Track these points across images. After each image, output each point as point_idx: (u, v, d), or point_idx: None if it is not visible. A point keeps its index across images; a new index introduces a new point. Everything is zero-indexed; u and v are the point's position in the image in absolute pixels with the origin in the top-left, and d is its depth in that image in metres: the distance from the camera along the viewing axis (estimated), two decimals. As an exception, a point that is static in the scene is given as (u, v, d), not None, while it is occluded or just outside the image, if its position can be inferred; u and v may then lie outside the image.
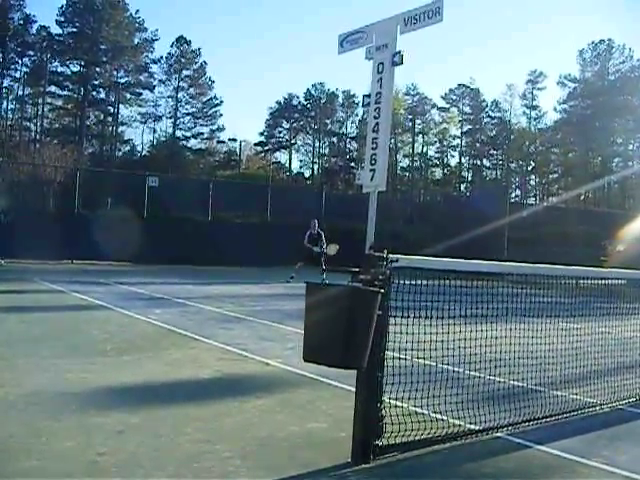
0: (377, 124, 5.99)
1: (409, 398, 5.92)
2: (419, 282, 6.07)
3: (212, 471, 4.96)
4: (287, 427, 6.21)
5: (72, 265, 27.80)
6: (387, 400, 5.57)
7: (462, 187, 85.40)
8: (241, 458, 5.27)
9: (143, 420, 6.21)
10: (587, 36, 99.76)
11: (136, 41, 77.82)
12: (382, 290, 5.04)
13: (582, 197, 79.14)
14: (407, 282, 5.81)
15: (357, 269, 5.14)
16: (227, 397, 7.29)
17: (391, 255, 5.16)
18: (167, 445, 5.52)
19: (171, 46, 79.71)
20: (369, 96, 6.28)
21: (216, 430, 6.01)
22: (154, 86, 79.29)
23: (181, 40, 79.75)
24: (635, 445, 6.41)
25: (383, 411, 5.44)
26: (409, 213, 39.97)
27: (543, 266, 7.86)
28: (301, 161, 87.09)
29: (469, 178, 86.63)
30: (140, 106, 79.15)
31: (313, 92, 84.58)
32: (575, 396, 7.70)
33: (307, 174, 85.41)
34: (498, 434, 6.27)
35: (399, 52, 5.92)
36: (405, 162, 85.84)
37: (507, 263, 7.85)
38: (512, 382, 7.42)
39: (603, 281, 9.66)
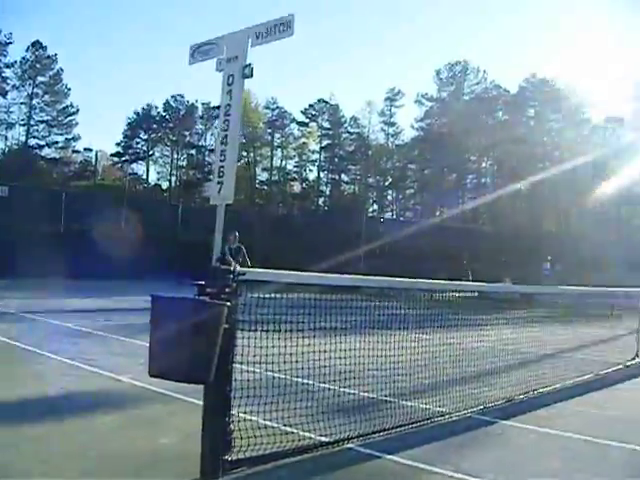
0: (226, 136, 5.95)
1: (260, 412, 5.90)
2: (271, 295, 6.08)
3: (51, 493, 4.79)
4: (135, 444, 6.08)
5: None
6: (237, 414, 5.52)
7: (320, 201, 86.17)
8: (84, 476, 5.12)
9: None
10: (444, 57, 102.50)
11: (-13, 45, 74.92)
12: (228, 303, 4.99)
13: (437, 212, 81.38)
14: (257, 295, 5.79)
15: (203, 282, 5.08)
16: (73, 414, 7.07)
17: (238, 268, 5.12)
18: (10, 466, 5.28)
19: (26, 50, 76.99)
20: (219, 108, 6.26)
21: (58, 449, 5.81)
22: (7, 91, 76.32)
23: (37, 45, 77.10)
24: (481, 451, 6.60)
25: (232, 425, 5.38)
26: (267, 227, 40.01)
27: (395, 279, 8.00)
28: (159, 173, 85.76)
29: (327, 192, 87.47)
30: (-9, 112, 76.17)
31: (172, 103, 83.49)
32: (425, 406, 7.87)
33: (165, 186, 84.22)
34: (349, 445, 6.31)
35: (249, 65, 5.91)
36: (264, 176, 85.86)
37: (357, 276, 7.95)
38: (363, 394, 7.52)
39: (455, 294, 9.97)
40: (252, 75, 5.92)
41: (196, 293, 5.07)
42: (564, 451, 6.83)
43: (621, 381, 11.15)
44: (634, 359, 13.13)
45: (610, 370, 11.84)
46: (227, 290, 5.04)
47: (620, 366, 12.33)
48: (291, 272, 6.05)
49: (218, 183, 5.83)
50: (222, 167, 5.83)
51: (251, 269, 5.28)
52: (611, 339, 15.76)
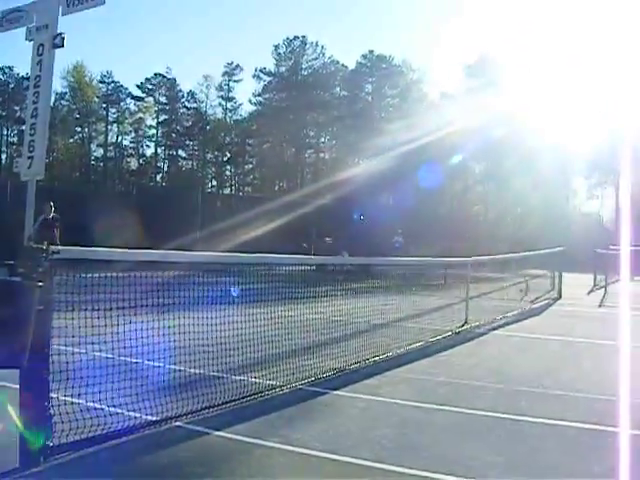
0: (36, 109, 5.72)
1: (83, 394, 5.74)
2: (92, 275, 5.90)
3: None
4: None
5: None
6: (58, 398, 5.34)
7: (158, 177, 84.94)
8: None
9: None
10: (283, 32, 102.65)
11: None
12: (41, 283, 4.79)
13: (276, 187, 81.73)
14: (78, 275, 5.61)
15: (13, 262, 4.86)
16: None
17: (52, 247, 4.92)
18: None
19: None
20: (28, 79, 6.00)
21: None
22: None
23: None
24: (311, 422, 6.69)
25: (52, 409, 5.19)
26: (103, 205, 39.01)
27: (230, 254, 7.97)
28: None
29: (165, 169, 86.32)
30: None
31: (1, 76, 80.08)
32: (255, 379, 7.90)
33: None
34: (177, 423, 6.25)
35: (60, 34, 5.69)
36: (99, 152, 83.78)
37: (184, 252, 7.85)
38: (191, 370, 7.43)
39: (293, 267, 10.02)
40: (63, 45, 5.70)
41: (7, 274, 4.85)
42: (392, 417, 7.02)
43: (450, 347, 11.57)
44: (463, 326, 13.66)
45: (440, 337, 12.25)
46: (40, 270, 4.83)
47: (450, 333, 12.79)
48: (108, 249, 5.88)
49: (28, 158, 5.60)
50: (32, 141, 5.60)
51: (66, 247, 5.06)
52: (442, 307, 16.31)
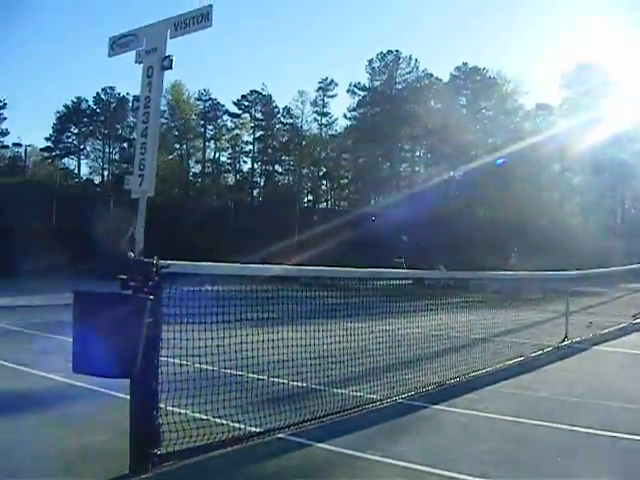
0: (146, 129, 5.91)
1: (189, 404, 5.90)
2: (199, 288, 6.07)
3: (-23, 493, 4.71)
4: (63, 442, 6.02)
5: None
6: (165, 408, 5.50)
7: (255, 193, 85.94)
8: (11, 476, 5.04)
9: None
10: (376, 46, 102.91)
11: None
12: (152, 297, 4.95)
13: (372, 201, 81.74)
14: (185, 288, 5.77)
15: (125, 277, 5.03)
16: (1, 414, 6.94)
17: (162, 261, 5.08)
18: None
19: (-51, 44, 75.20)
20: (139, 100, 6.21)
21: (-14, 449, 5.72)
22: None
23: (-41, 39, 75.43)
24: (411, 436, 6.68)
25: (160, 419, 5.36)
26: (201, 220, 39.75)
27: (328, 268, 8.05)
28: (91, 167, 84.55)
29: (262, 184, 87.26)
30: None
31: (103, 96, 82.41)
32: (356, 393, 7.95)
33: (97, 180, 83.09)
34: (280, 435, 6.34)
35: (169, 56, 5.87)
36: (197, 168, 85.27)
37: (288, 266, 7.98)
38: (293, 383, 7.53)
39: (389, 281, 10.04)
40: (172, 67, 5.89)
41: (119, 287, 5.03)
42: (493, 432, 6.97)
43: (550, 363, 11.39)
44: (563, 341, 13.43)
45: (540, 352, 12.07)
46: (150, 283, 5.00)
47: (550, 348, 12.59)
48: (214, 264, 6.03)
49: (139, 176, 5.80)
50: (143, 160, 5.79)
51: (175, 262, 5.22)
52: (542, 322, 16.05)
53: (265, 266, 6.82)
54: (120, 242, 17.43)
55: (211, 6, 5.72)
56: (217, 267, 6.09)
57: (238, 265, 6.34)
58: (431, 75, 79.26)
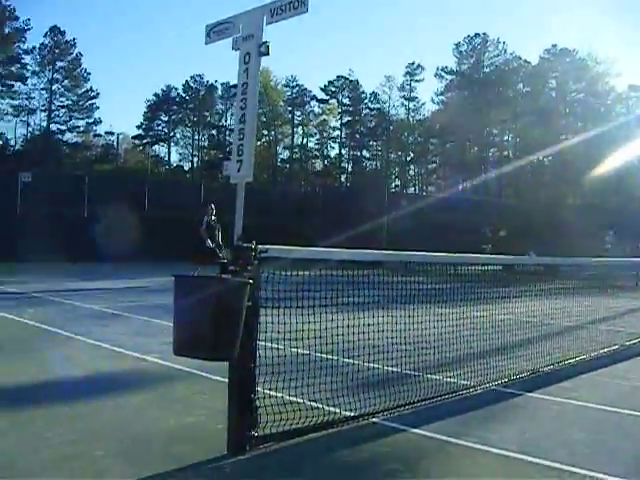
0: (244, 115, 5.98)
1: (284, 387, 5.95)
2: (294, 273, 6.13)
3: (83, 471, 4.86)
4: (163, 422, 6.15)
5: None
6: (262, 390, 5.57)
7: (342, 178, 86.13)
8: (113, 456, 5.19)
9: (12, 424, 6.02)
10: (463, 30, 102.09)
11: (7, 31, 74.94)
12: (251, 281, 5.02)
13: (460, 186, 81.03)
14: (280, 272, 5.82)
15: (225, 260, 5.12)
16: (101, 395, 7.14)
17: (260, 246, 5.15)
18: (37, 447, 5.36)
19: (44, 36, 77.04)
20: (236, 87, 6.29)
21: (89, 429, 5.89)
22: (27, 78, 76.56)
23: (55, 30, 77.15)
24: (505, 423, 6.62)
25: (257, 402, 5.43)
26: (289, 205, 40.00)
27: (418, 253, 8.02)
28: (180, 154, 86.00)
29: (349, 169, 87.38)
30: (12, 99, 76.23)
31: (192, 84, 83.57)
32: (449, 379, 7.92)
33: (187, 167, 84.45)
34: (374, 419, 6.36)
35: (265, 42, 5.91)
36: (285, 154, 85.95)
37: (380, 251, 7.99)
38: (387, 368, 7.53)
39: (478, 267, 9.96)
40: (268, 53, 5.93)
41: (219, 272, 5.11)
42: (588, 422, 6.86)
43: (646, 351, 11.13)
44: (660, 329, 13.09)
45: (636, 341, 11.80)
46: (249, 267, 5.07)
47: (645, 336, 12.30)
48: (312, 248, 6.09)
49: (237, 162, 5.86)
50: (241, 145, 5.86)
51: (273, 246, 5.29)
52: (637, 310, 15.70)
53: (357, 251, 6.81)
54: (199, 230, 17.73)
55: (307, -8, 5.75)
56: (312, 252, 6.14)
57: (334, 250, 6.37)
58: (519, 58, 77.99)
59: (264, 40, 5.94)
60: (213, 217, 21.04)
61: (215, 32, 6.40)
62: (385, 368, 7.55)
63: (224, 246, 20.78)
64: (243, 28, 6.10)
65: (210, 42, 6.51)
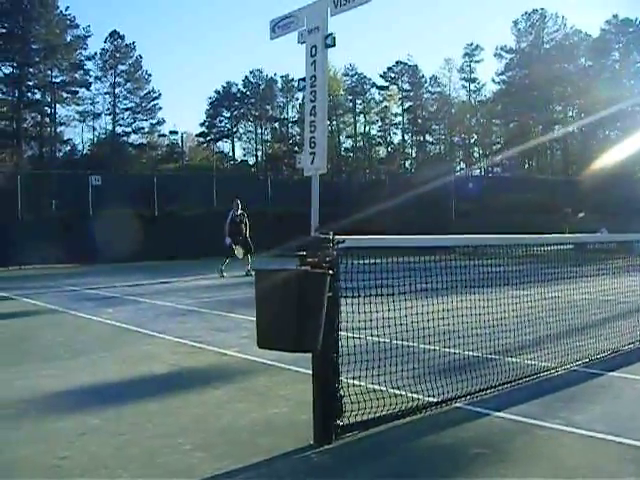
0: (314, 107, 6.02)
1: (366, 376, 5.97)
2: (369, 261, 6.14)
3: (175, 465, 4.96)
4: (247, 415, 6.23)
5: (21, 271, 27.33)
6: (345, 380, 5.60)
7: (407, 164, 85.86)
8: (203, 450, 5.28)
9: (103, 420, 6.17)
10: (520, 7, 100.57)
11: (68, 38, 76.28)
12: (331, 271, 5.06)
13: (526, 166, 79.99)
14: (356, 262, 5.85)
15: (304, 252, 5.15)
16: (185, 390, 7.27)
17: (337, 236, 5.18)
18: (129, 443, 5.50)
19: (105, 42, 78.46)
20: (304, 80, 6.30)
21: (176, 424, 6.00)
22: (90, 83, 78.04)
23: (114, 35, 78.52)
24: (590, 404, 6.54)
25: (341, 391, 5.47)
26: (356, 194, 39.98)
27: (489, 236, 7.97)
28: (244, 149, 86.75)
29: (413, 154, 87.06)
30: (77, 104, 77.77)
31: (252, 79, 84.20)
32: (530, 361, 7.85)
33: (251, 161, 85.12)
34: (457, 404, 6.35)
35: (331, 34, 5.93)
36: (348, 143, 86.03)
37: (453, 236, 7.95)
38: (467, 352, 7.52)
39: (551, 247, 9.82)
40: (335, 44, 5.95)
41: (298, 264, 5.15)
42: (676, 399, 6.75)
43: None
44: None
45: None
46: (328, 259, 5.11)
47: None
48: (385, 237, 6.10)
49: (310, 154, 5.91)
50: (313, 138, 5.91)
51: (349, 236, 5.32)
52: None
53: (430, 236, 6.82)
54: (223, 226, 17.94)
55: (370, -19, 5.75)
56: (386, 240, 6.15)
57: (407, 237, 6.39)
58: (580, 31, 76.65)
59: (330, 32, 5.96)
60: (238, 212, 21.47)
61: (280, 27, 6.44)
62: (465, 353, 7.54)
63: (253, 241, 21.22)
64: (308, 21, 6.13)
65: (275, 37, 6.56)
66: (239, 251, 21.61)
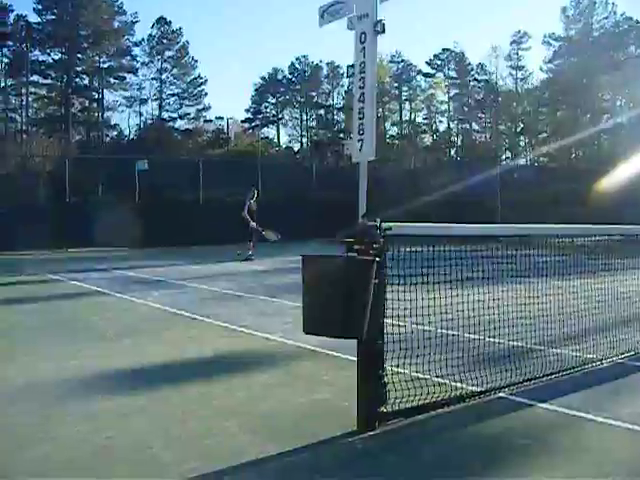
0: (363, 94, 6.00)
1: (410, 364, 5.96)
2: (414, 249, 6.13)
3: (222, 447, 5.01)
4: (292, 400, 6.27)
5: (68, 253, 27.63)
6: (389, 367, 5.61)
7: (452, 152, 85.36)
8: (250, 433, 5.34)
9: (149, 401, 6.26)
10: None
11: (116, 25, 77.14)
12: (377, 259, 5.06)
13: (572, 156, 79.04)
14: (402, 249, 5.84)
15: (351, 239, 5.16)
16: (231, 374, 7.34)
17: (384, 223, 5.18)
18: (174, 424, 5.57)
19: (152, 27, 79.12)
20: (353, 67, 6.29)
21: (222, 407, 6.07)
22: (137, 69, 78.85)
23: (161, 21, 79.11)
24: (637, 398, 6.48)
25: (385, 378, 5.48)
26: (401, 181, 39.83)
27: (535, 226, 7.91)
28: (289, 135, 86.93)
29: (459, 142, 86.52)
30: (125, 90, 78.64)
31: (297, 65, 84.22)
32: (575, 353, 7.77)
33: (296, 148, 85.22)
34: (500, 394, 6.32)
35: (380, 21, 5.90)
36: (394, 130, 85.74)
37: (500, 225, 7.91)
38: (511, 342, 7.47)
39: (597, 237, 9.71)
40: (384, 31, 5.91)
41: (345, 250, 5.16)
42: None
43: None
44: None
45: None
46: (375, 246, 5.11)
47: None
48: (433, 224, 6.08)
49: (359, 141, 5.90)
50: (361, 124, 5.89)
51: (396, 223, 5.31)
52: None
53: (477, 225, 6.76)
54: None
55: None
56: (434, 228, 6.13)
57: (454, 225, 6.35)
58: (630, 18, 75.33)
59: (379, 18, 5.94)
60: (252, 201, 21.74)
61: (329, 13, 6.42)
62: (509, 343, 7.49)
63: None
64: (357, 7, 6.11)
65: (324, 23, 6.54)
66: (269, 234, 21.76)
